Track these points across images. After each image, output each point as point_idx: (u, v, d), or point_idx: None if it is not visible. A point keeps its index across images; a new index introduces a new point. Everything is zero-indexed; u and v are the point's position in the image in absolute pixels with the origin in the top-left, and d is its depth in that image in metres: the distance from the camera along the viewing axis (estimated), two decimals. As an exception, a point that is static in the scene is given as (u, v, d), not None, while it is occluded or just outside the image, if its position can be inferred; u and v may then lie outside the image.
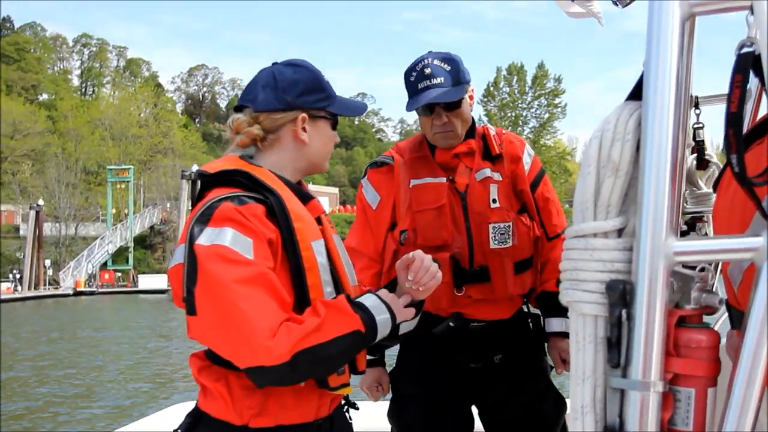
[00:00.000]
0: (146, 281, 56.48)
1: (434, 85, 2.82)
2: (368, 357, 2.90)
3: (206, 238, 1.84)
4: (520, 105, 71.01)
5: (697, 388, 1.21)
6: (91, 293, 53.65)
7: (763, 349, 1.12)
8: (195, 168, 48.10)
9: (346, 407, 2.26)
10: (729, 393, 1.15)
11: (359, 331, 1.86)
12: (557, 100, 70.95)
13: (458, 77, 2.86)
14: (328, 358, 1.86)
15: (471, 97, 2.98)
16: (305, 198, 2.10)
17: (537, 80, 70.46)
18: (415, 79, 2.87)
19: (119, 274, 59.73)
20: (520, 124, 69.89)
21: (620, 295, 1.18)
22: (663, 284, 1.17)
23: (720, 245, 1.22)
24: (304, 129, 2.08)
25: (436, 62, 2.86)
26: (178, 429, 2.00)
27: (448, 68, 2.85)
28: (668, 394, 1.20)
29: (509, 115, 70.04)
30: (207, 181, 2.04)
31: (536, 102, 71.15)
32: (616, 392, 1.21)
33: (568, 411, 3.06)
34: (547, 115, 71.06)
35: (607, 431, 1.21)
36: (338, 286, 2.07)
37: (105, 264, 60.12)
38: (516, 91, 70.87)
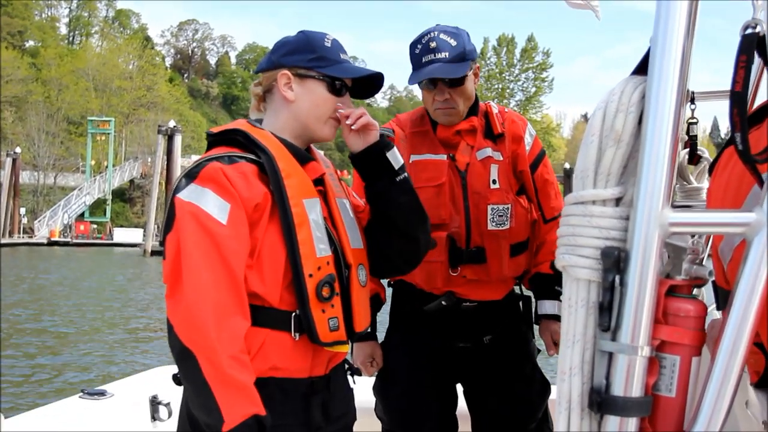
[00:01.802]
0: (121, 234, 56.38)
1: (438, 60, 2.77)
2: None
3: (187, 193, 1.93)
4: (507, 77, 70.89)
5: (682, 356, 1.26)
6: (66, 244, 53.39)
7: (748, 322, 1.17)
8: (172, 123, 47.63)
9: (350, 372, 2.28)
10: (711, 365, 1.20)
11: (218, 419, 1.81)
12: (544, 74, 70.94)
13: (463, 53, 2.80)
14: (192, 390, 1.87)
15: (476, 74, 2.94)
16: (304, 159, 2.13)
17: (526, 53, 70.32)
18: (420, 52, 2.82)
19: (95, 226, 59.47)
20: (507, 96, 69.85)
21: (614, 262, 1.22)
22: (656, 253, 1.20)
23: (714, 218, 1.26)
24: (290, 87, 2.13)
25: (442, 36, 2.81)
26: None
27: (454, 43, 2.80)
28: (654, 359, 1.25)
29: (495, 86, 69.94)
30: (211, 141, 2.13)
31: (523, 75, 71.09)
32: (604, 356, 1.25)
33: (552, 395, 3.11)
34: (533, 89, 71.04)
35: (594, 393, 1.26)
36: (335, 245, 2.10)
37: (82, 215, 59.82)
38: (504, 62, 70.70)
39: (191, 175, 1.96)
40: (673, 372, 1.26)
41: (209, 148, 2.12)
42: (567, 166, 51.39)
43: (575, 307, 1.28)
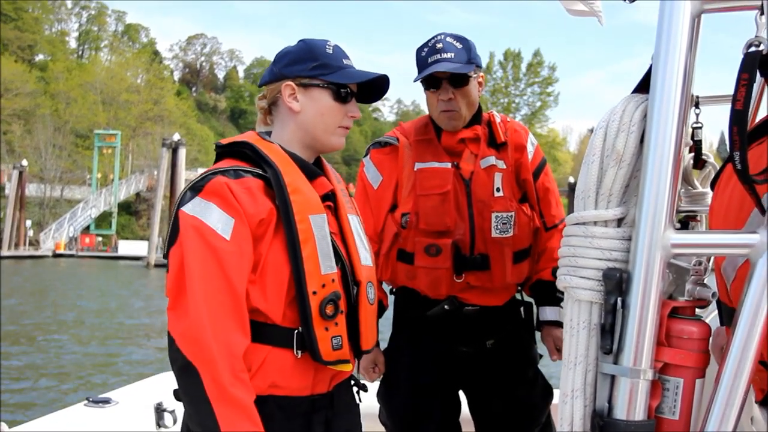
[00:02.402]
0: (126, 247, 56.34)
1: (444, 59, 2.81)
2: None
3: (192, 207, 1.91)
4: (512, 92, 71.14)
5: (685, 379, 1.24)
6: (71, 256, 53.43)
7: (753, 343, 1.15)
8: (176, 137, 47.70)
9: (356, 388, 2.25)
10: (716, 385, 1.18)
11: None
12: (550, 89, 71.17)
13: (469, 56, 2.84)
14: (191, 405, 1.85)
15: (480, 84, 2.98)
16: (312, 174, 2.11)
17: (531, 67, 70.56)
18: (426, 53, 2.86)
19: (100, 238, 59.55)
20: (512, 110, 70.05)
21: (616, 284, 1.20)
22: (659, 275, 1.19)
23: (717, 240, 1.24)
24: (295, 98, 2.10)
25: (448, 39, 2.86)
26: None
27: (460, 46, 2.84)
28: (657, 382, 1.23)
29: (501, 101, 70.13)
30: (220, 152, 2.11)
31: (529, 89, 71.33)
32: (606, 378, 1.24)
33: (555, 401, 3.10)
34: (539, 104, 71.28)
35: (596, 416, 1.24)
36: (344, 262, 2.08)
37: (88, 228, 59.94)
38: (510, 76, 70.93)
39: (196, 189, 1.93)
40: (676, 395, 1.24)
41: (217, 159, 2.10)
42: (572, 180, 51.44)
43: (577, 329, 1.27)
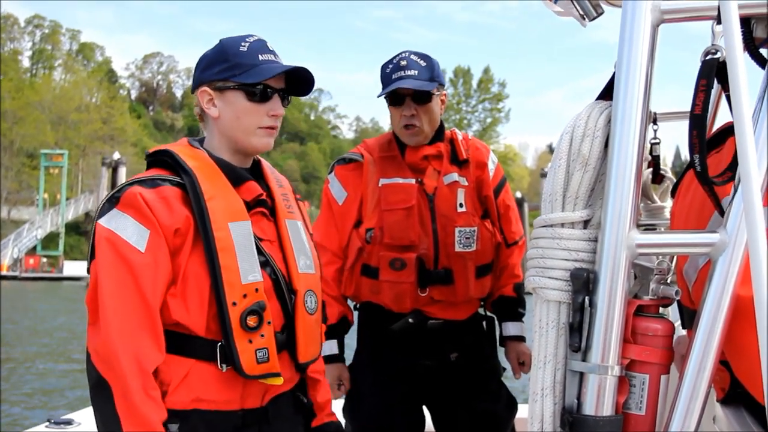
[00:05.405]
0: (71, 267, 55.17)
1: (407, 76, 2.87)
2: (328, 353, 2.91)
3: (107, 219, 1.86)
4: (464, 108, 71.76)
5: (651, 374, 1.28)
6: (13, 278, 52.18)
7: (714, 341, 1.19)
8: (116, 155, 46.91)
9: (297, 403, 2.15)
10: (679, 383, 1.22)
11: None
12: (500, 105, 71.98)
13: (432, 74, 2.92)
14: (101, 423, 1.81)
15: (443, 101, 3.05)
16: (239, 179, 2.02)
17: (482, 84, 71.27)
18: (390, 70, 2.93)
19: (45, 259, 58.29)
20: (463, 126, 70.64)
21: (584, 283, 1.24)
22: (624, 274, 1.23)
23: (679, 239, 1.29)
24: (213, 103, 2.01)
25: (412, 57, 2.93)
26: None
27: (424, 64, 2.91)
28: (624, 378, 1.27)
29: (453, 117, 70.71)
30: (148, 162, 2.05)
31: (480, 106, 72.03)
32: (575, 376, 1.28)
33: (519, 414, 3.14)
34: (490, 120, 72.01)
35: (565, 413, 1.27)
36: (277, 270, 2.01)
37: (34, 249, 58.68)
38: (461, 93, 71.56)
39: (113, 200, 1.87)
40: (642, 390, 1.28)
41: (147, 168, 2.03)
42: (519, 195, 52.19)
43: (546, 329, 1.30)
